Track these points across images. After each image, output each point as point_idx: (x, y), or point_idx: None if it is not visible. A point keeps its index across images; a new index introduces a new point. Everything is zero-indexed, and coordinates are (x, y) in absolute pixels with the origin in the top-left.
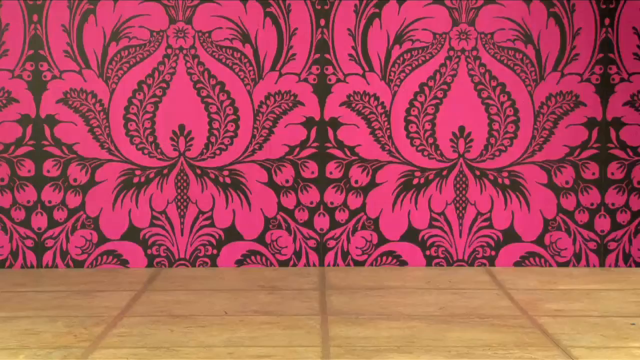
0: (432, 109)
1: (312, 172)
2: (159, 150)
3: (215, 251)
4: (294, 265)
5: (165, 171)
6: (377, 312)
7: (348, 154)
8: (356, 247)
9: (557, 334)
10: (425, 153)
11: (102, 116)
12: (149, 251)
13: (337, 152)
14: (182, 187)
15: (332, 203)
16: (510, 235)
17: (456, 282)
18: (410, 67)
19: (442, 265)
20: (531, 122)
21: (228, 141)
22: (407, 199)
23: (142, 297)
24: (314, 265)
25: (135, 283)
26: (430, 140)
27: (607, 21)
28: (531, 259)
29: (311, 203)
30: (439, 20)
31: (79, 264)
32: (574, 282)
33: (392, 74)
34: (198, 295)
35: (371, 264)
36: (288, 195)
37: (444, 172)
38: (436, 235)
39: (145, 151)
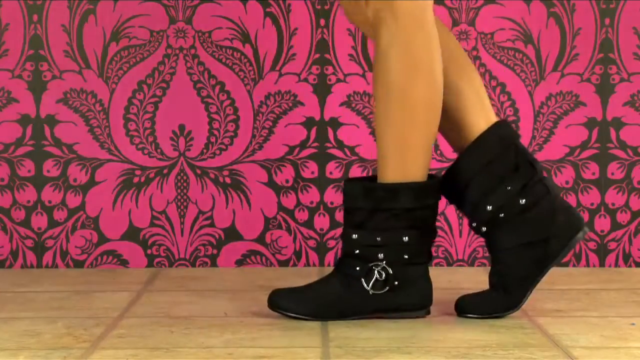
0: None
1: (312, 172)
2: (159, 150)
3: (215, 251)
4: (294, 265)
5: (165, 171)
6: None
7: (348, 154)
8: None
9: (557, 334)
10: None
11: (102, 116)
12: (149, 251)
13: (337, 152)
14: (182, 187)
15: (332, 203)
16: None
17: (456, 282)
18: None
19: (442, 265)
20: (531, 122)
21: (228, 141)
22: None
23: (142, 298)
24: (314, 265)
25: (135, 283)
26: None
27: (607, 21)
28: None
29: (311, 203)
30: (439, 20)
31: (79, 264)
32: (574, 282)
33: None
34: (198, 295)
35: None
36: (288, 195)
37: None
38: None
39: (145, 151)
